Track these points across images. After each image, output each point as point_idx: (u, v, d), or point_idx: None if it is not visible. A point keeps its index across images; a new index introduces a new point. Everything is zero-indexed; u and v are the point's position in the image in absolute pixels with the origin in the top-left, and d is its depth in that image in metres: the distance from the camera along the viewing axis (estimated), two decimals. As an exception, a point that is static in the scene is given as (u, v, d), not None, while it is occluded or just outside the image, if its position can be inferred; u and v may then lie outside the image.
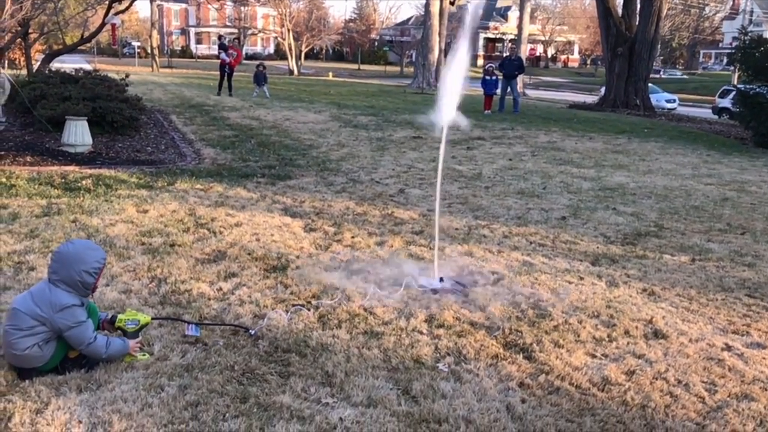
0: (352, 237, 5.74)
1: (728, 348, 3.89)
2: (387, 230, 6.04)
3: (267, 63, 24.66)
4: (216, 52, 22.24)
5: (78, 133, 8.95)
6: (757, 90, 15.49)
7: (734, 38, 18.83)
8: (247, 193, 7.19)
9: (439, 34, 31.50)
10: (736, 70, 22.38)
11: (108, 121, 10.02)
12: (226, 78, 19.85)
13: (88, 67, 16.71)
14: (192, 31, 70.07)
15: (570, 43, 70.95)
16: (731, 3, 64.11)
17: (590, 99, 26.35)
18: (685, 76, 48.53)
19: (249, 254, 5.09)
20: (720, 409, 3.24)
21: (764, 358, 3.78)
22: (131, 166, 8.31)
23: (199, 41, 69.40)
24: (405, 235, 5.91)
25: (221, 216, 6.14)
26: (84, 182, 7.15)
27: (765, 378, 3.54)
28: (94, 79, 11.22)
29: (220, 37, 24.54)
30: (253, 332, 3.72)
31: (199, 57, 61.34)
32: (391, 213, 6.67)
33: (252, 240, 5.47)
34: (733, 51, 17.71)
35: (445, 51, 35.35)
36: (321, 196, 7.25)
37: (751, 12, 61.04)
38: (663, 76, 50.40)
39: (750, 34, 17.60)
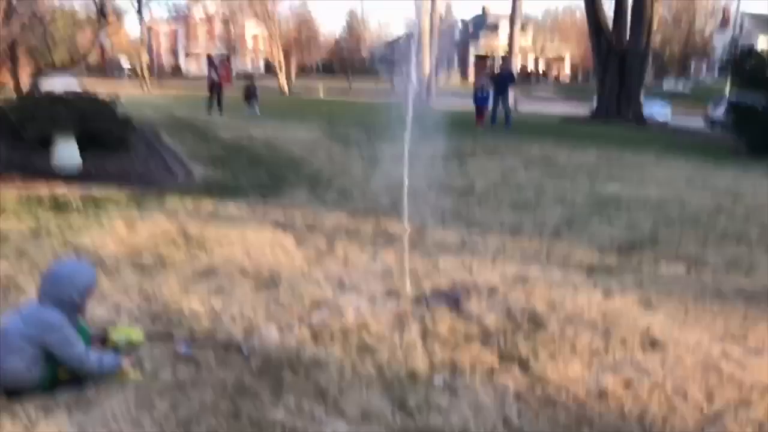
0: (345, 252, 5.70)
1: (726, 356, 3.85)
2: (380, 245, 6.00)
3: (257, 82, 24.66)
4: (206, 72, 22.31)
5: (67, 153, 8.90)
6: (749, 101, 15.62)
7: (725, 50, 19.07)
8: (238, 210, 7.15)
9: (430, 49, 31.62)
10: (728, 81, 22.58)
11: (98, 140, 9.96)
12: (215, 96, 19.89)
13: (77, 87, 16.66)
14: (182, 50, 70.30)
15: (560, 57, 71.43)
16: (722, 15, 64.71)
17: (582, 111, 26.44)
18: (686, 92, 48.44)
19: (240, 270, 5.04)
20: (718, 417, 3.20)
21: (761, 365, 3.74)
22: (121, 184, 8.25)
23: (188, 61, 69.58)
24: (398, 250, 5.86)
25: (211, 232, 6.09)
26: (73, 201, 7.10)
27: (762, 385, 3.51)
28: (84, 99, 11.18)
29: (209, 56, 24.63)
30: (245, 351, 3.66)
31: (189, 77, 61.38)
32: (384, 228, 6.63)
33: (243, 256, 5.42)
34: (725, 62, 17.92)
35: (437, 66, 35.54)
36: (312, 212, 7.21)
37: (741, 25, 61.76)
38: (664, 89, 50.43)
39: (740, 46, 17.80)
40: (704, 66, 65.03)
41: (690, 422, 3.15)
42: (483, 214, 7.44)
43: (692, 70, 65.76)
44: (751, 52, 18.08)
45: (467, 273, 5.25)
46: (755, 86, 15.67)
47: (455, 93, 35.11)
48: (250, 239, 5.95)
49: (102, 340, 3.42)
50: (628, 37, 22.93)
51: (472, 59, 67.60)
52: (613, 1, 23.74)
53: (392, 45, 63.57)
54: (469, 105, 19.31)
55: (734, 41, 18.40)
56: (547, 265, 5.56)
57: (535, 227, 6.88)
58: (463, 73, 65.57)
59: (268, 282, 4.82)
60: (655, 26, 24.56)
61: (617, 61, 22.57)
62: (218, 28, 65.02)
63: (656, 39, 43.34)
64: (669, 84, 53.40)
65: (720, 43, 58.32)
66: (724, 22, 63.87)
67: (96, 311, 4.11)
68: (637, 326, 4.23)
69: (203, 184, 8.54)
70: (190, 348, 3.62)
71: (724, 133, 18.47)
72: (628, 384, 3.49)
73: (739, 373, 3.63)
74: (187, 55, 69.32)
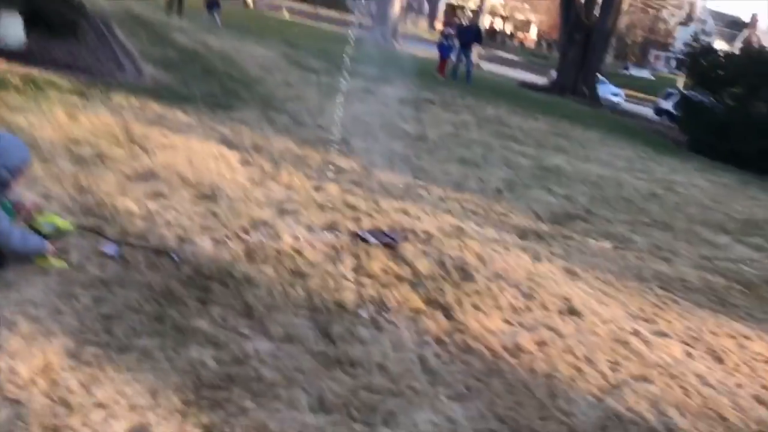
0: (289, 177, 5.66)
1: (636, 333, 4.07)
2: (325, 176, 5.97)
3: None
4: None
5: (11, 27, 8.37)
6: (699, 97, 16.06)
7: (686, 44, 19.36)
8: (186, 117, 6.95)
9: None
10: (683, 75, 23.09)
11: (45, 20, 9.40)
12: None
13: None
14: None
15: (528, 22, 71.20)
16: (688, 9, 65.78)
17: (541, 80, 26.60)
18: (653, 77, 49.05)
19: (180, 178, 4.94)
20: (619, 387, 3.40)
21: (666, 346, 3.98)
22: (66, 70, 7.85)
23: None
24: (343, 184, 5.86)
25: (156, 135, 5.92)
26: (13, 79, 6.73)
27: (664, 363, 3.74)
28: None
29: None
30: (176, 258, 3.63)
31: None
32: (332, 160, 6.60)
33: (185, 164, 5.30)
34: (683, 56, 18.25)
35: (406, 8, 34.92)
36: (261, 132, 7.08)
37: (705, 21, 62.93)
38: (631, 73, 51.07)
39: (701, 42, 18.14)
40: (663, 56, 66.23)
41: (593, 387, 3.34)
42: (431, 163, 7.49)
43: (651, 58, 66.90)
44: (709, 49, 18.50)
45: (407, 218, 5.31)
46: (707, 84, 16.10)
47: (420, 39, 34.67)
48: (195, 149, 5.81)
49: (26, 222, 3.31)
50: (596, 15, 23.01)
51: (442, 7, 66.58)
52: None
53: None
54: (432, 53, 19.14)
55: (695, 36, 18.65)
56: (484, 222, 5.68)
57: (478, 185, 6.98)
58: (431, 23, 64.67)
59: (208, 194, 4.76)
60: (625, 7, 24.71)
61: (583, 37, 22.67)
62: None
63: (622, 22, 43.74)
64: (634, 69, 54.26)
65: (682, 37, 59.38)
66: (689, 16, 65.05)
67: (24, 195, 3.97)
68: (558, 293, 4.41)
69: (153, 86, 8.23)
70: (118, 252, 3.55)
71: (670, 124, 19.01)
72: (542, 344, 3.66)
73: (644, 350, 3.85)
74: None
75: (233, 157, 5.88)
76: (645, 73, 52.20)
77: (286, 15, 37.32)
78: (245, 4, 39.74)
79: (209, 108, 7.63)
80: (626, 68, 54.54)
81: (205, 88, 8.78)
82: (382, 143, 7.89)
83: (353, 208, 5.24)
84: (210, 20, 19.56)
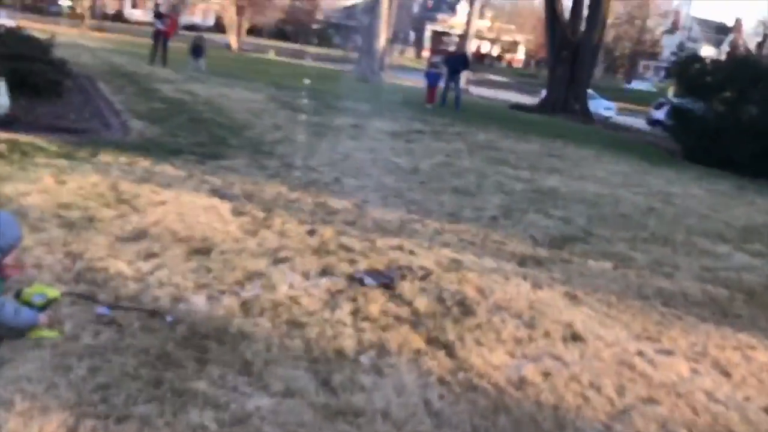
0: (283, 224, 5.65)
1: (640, 353, 4.02)
2: (319, 219, 5.97)
3: (206, 36, 23.87)
4: (150, 19, 21.42)
5: (-4, 95, 8.45)
6: (690, 105, 16.14)
7: (672, 53, 19.58)
8: (175, 171, 6.96)
9: (387, 21, 31.39)
10: (673, 84, 23.26)
11: (29, 83, 9.49)
12: (160, 47, 19.17)
13: (11, 23, 15.83)
14: None
15: (516, 43, 71.97)
16: (672, 18, 66.50)
17: (531, 100, 26.79)
18: (654, 89, 49.28)
19: (172, 235, 4.93)
20: (627, 411, 3.35)
21: (672, 365, 3.92)
22: (52, 133, 7.89)
23: (134, 5, 66.16)
24: (337, 225, 5.85)
25: (145, 193, 5.92)
26: None
27: (670, 383, 3.69)
28: (17, 38, 10.63)
29: (156, 4, 23.72)
30: (169, 319, 3.59)
31: (133, 23, 58.19)
32: (325, 201, 6.60)
33: (176, 220, 5.29)
34: (671, 65, 18.40)
35: (392, 39, 35.31)
36: (252, 179, 7.10)
37: (690, 29, 63.64)
38: (631, 86, 51.40)
39: (687, 50, 18.32)
40: (652, 67, 66.83)
41: (601, 414, 3.28)
42: (424, 196, 7.49)
43: (641, 69, 67.47)
44: (695, 57, 18.66)
45: (403, 254, 5.29)
46: (696, 92, 16.20)
47: (408, 69, 35.04)
48: (186, 203, 5.81)
49: (16, 296, 3.28)
50: (582, 31, 23.25)
51: (428, 35, 67.38)
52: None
53: (349, 11, 62.66)
54: (420, 82, 19.31)
55: (681, 45, 18.91)
56: (481, 252, 5.65)
57: (474, 214, 6.97)
58: (418, 50, 65.43)
59: (201, 249, 4.74)
60: (609, 20, 24.95)
61: (570, 53, 22.89)
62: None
63: (609, 35, 44.23)
64: (636, 83, 54.61)
65: (669, 46, 59.98)
66: (674, 25, 65.80)
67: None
68: (561, 319, 4.36)
69: (140, 141, 8.27)
70: (110, 311, 3.54)
71: (663, 135, 19.07)
72: (546, 375, 3.60)
73: (650, 371, 3.80)
74: (133, 5, 65.85)
75: (225, 207, 5.87)
76: (646, 85, 52.60)
77: (272, 56, 37.72)
78: (230, 48, 40.20)
79: (198, 158, 7.66)
80: (629, 83, 54.94)
81: (194, 139, 8.83)
82: (375, 179, 7.90)
83: (348, 249, 5.22)
84: (195, 67, 19.74)
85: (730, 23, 68.16)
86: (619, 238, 6.70)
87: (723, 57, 20.60)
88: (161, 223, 5.13)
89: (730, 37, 62.06)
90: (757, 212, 9.34)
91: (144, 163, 7.04)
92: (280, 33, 64.51)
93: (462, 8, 60.39)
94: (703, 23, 64.67)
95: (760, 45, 43.54)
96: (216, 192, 6.33)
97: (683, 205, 9.01)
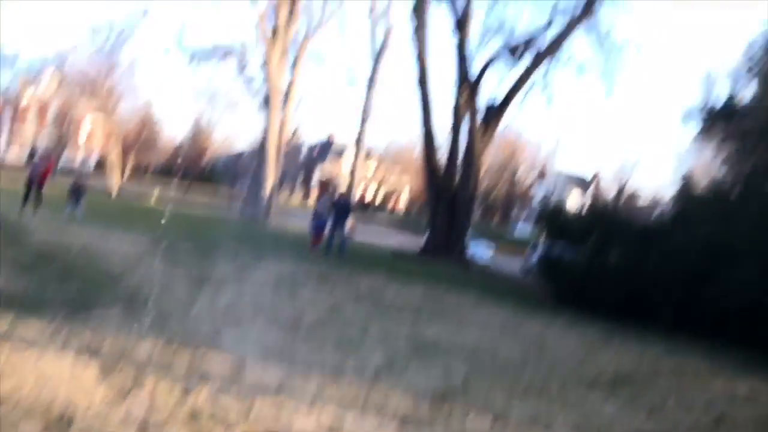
0: (155, 386, 5.31)
1: None
2: (195, 379, 5.67)
3: (86, 179, 23.28)
4: (25, 162, 20.71)
5: None
6: (558, 251, 17.28)
7: (538, 203, 21.31)
8: (38, 330, 6.43)
9: (275, 166, 32.21)
10: (542, 232, 24.96)
11: None
12: (33, 193, 18.20)
13: None
14: (4, 135, 63.61)
15: (399, 189, 75.25)
16: (540, 167, 72.36)
17: (414, 243, 27.64)
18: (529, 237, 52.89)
19: (26, 408, 4.47)
20: None
21: None
22: None
23: (10, 148, 63.47)
24: (214, 384, 5.58)
25: (2, 357, 5.43)
26: None
27: None
28: None
29: (32, 147, 23.03)
30: None
31: (5, 167, 55.70)
32: (201, 357, 6.32)
33: (33, 389, 4.83)
34: (538, 214, 19.91)
35: (279, 184, 36.04)
36: (125, 336, 6.70)
37: (558, 177, 69.42)
38: (515, 233, 54.52)
39: (553, 200, 19.95)
40: (525, 213, 71.63)
41: None
42: (307, 350, 7.36)
43: (514, 215, 72.10)
44: (560, 209, 20.29)
45: (283, 417, 5.08)
46: (564, 237, 17.44)
47: (295, 213, 35.56)
48: (47, 368, 5.36)
49: None
50: (458, 180, 24.71)
51: (315, 182, 69.50)
52: (448, 145, 25.68)
53: (236, 158, 63.67)
54: (306, 226, 19.60)
55: (546, 198, 20.60)
56: (362, 413, 5.53)
57: (357, 369, 6.89)
58: (306, 193, 67.11)
59: (59, 421, 4.33)
60: (482, 172, 26.83)
61: (448, 201, 24.14)
62: (51, 116, 60.65)
63: (483, 184, 47.38)
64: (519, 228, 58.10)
65: (540, 193, 64.89)
66: (542, 175, 71.65)
67: None
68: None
69: (2, 296, 7.69)
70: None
71: (536, 281, 20.15)
72: None
73: None
74: (9, 142, 63.19)
75: (92, 369, 5.47)
76: (529, 229, 56.11)
77: (153, 202, 37.13)
78: (110, 193, 39.37)
79: (68, 313, 7.18)
80: (514, 228, 58.49)
81: (64, 292, 8.32)
82: (255, 333, 7.71)
83: (224, 414, 4.95)
84: (71, 213, 19.00)
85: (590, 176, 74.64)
86: (496, 392, 6.80)
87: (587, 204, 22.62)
88: (14, 395, 4.66)
89: (591, 188, 67.91)
90: (625, 357, 9.85)
91: (3, 324, 6.47)
92: (167, 170, 64.05)
93: (348, 155, 63.18)
94: (568, 176, 70.67)
95: (616, 196, 47.96)
96: (83, 351, 5.91)
97: (557, 355, 9.37)
